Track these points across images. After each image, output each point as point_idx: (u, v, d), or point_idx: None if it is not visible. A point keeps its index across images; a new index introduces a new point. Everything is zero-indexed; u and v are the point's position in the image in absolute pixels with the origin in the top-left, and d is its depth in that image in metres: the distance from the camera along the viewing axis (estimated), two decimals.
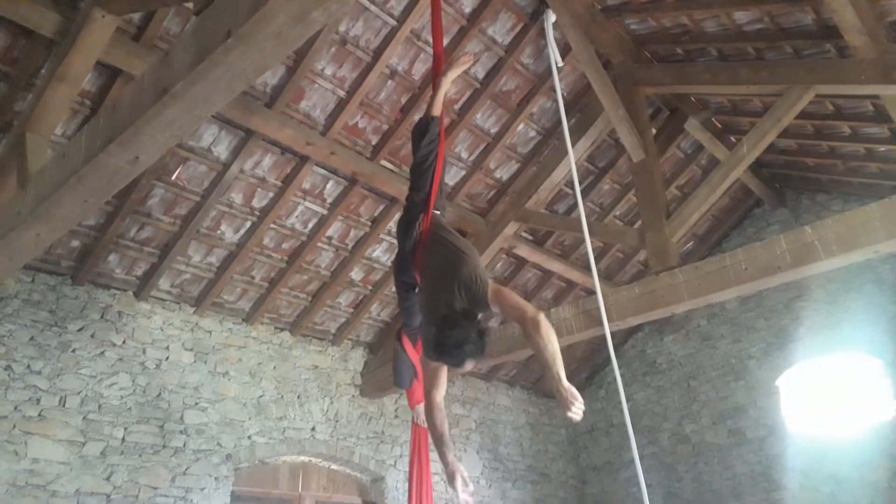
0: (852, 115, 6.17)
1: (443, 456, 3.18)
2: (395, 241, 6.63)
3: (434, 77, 3.75)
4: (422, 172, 3.28)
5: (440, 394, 3.23)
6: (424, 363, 3.18)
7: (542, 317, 2.78)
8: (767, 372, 8.32)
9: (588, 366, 9.68)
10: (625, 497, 9.06)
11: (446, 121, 5.94)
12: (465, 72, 5.28)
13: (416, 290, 3.35)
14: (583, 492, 9.48)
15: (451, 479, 3.13)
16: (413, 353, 3.46)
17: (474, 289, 2.84)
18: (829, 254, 4.46)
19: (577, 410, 2.56)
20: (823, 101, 5.96)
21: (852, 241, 4.37)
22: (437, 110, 3.48)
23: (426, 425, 3.63)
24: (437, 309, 2.84)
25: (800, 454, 7.79)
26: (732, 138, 7.29)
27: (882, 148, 6.67)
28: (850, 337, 7.72)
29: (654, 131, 6.23)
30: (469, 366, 2.82)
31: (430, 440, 3.62)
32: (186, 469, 5.67)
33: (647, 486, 4.38)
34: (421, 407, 3.73)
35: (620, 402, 9.38)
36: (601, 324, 5.37)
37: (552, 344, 2.73)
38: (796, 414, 8.03)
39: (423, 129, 3.34)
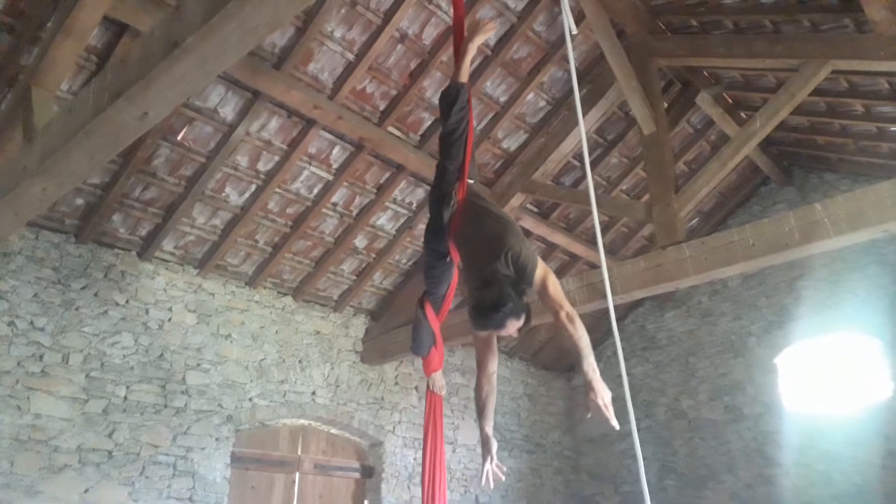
0: (867, 92, 6.10)
1: (482, 428, 3.19)
2: (399, 210, 6.65)
3: (456, 43, 3.66)
4: (453, 141, 3.22)
5: (493, 364, 3.22)
6: (474, 334, 3.17)
7: (575, 312, 2.81)
8: (766, 350, 8.35)
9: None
10: (619, 469, 9.16)
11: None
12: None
13: (447, 259, 3.30)
14: (577, 463, 9.58)
15: (485, 450, 3.14)
16: (434, 320, 3.41)
17: (522, 262, 2.80)
18: (838, 231, 4.42)
19: (607, 413, 2.58)
20: (838, 77, 5.88)
21: (862, 220, 4.33)
22: (464, 77, 3.42)
23: (442, 393, 3.71)
24: (482, 276, 2.79)
25: (795, 431, 7.85)
26: (743, 114, 7.21)
27: (894, 128, 6.60)
28: (851, 317, 7.73)
29: (665, 105, 6.16)
30: (512, 327, 2.75)
31: (443, 409, 3.68)
32: (188, 429, 5.72)
33: (643, 459, 4.41)
34: (437, 375, 3.70)
35: (619, 376, 9.48)
36: (605, 297, 5.32)
37: (587, 337, 2.77)
38: (793, 392, 8.08)
39: (452, 98, 3.27)
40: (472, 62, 5.72)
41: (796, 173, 8.55)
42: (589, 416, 2.66)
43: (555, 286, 2.85)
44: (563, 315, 2.78)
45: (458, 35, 3.61)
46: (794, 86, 5.02)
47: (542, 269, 2.84)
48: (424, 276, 3.39)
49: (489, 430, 3.19)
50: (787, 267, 8.20)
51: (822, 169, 8.34)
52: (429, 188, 6.53)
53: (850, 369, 7.79)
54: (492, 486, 3.08)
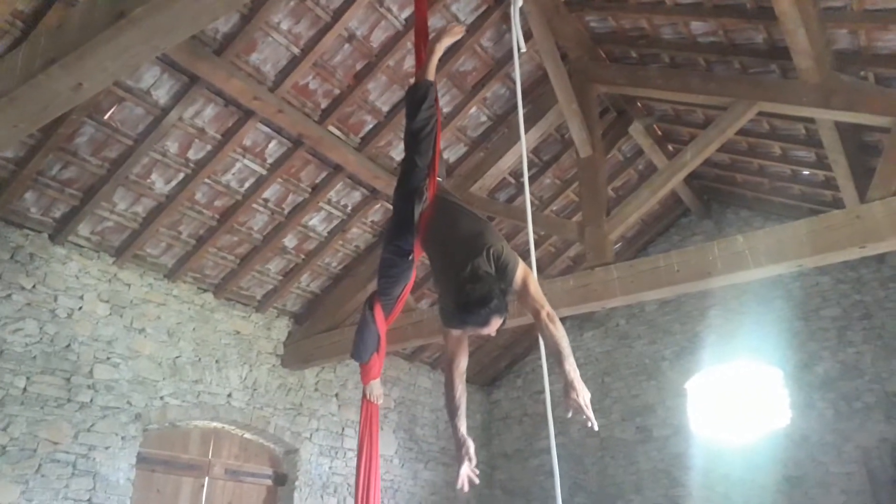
0: (785, 136, 6.49)
1: (457, 429, 3.05)
2: (333, 211, 6.54)
3: (417, 43, 3.64)
4: (423, 137, 3.19)
5: (464, 363, 3.11)
6: (446, 332, 3.06)
7: (555, 313, 2.81)
8: (678, 374, 8.68)
9: (509, 354, 9.81)
10: (531, 485, 9.26)
11: (399, 94, 5.86)
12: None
13: (409, 258, 3.22)
14: (491, 477, 9.64)
15: (461, 453, 2.99)
16: (382, 323, 3.28)
17: (504, 261, 2.75)
18: (757, 263, 4.67)
19: (588, 412, 2.57)
20: (762, 119, 6.23)
21: (780, 254, 4.59)
22: (431, 75, 3.40)
23: (380, 402, 3.57)
24: (460, 272, 2.70)
25: (700, 454, 8.18)
26: (671, 147, 7.53)
27: (806, 171, 7.04)
28: (756, 347, 8.16)
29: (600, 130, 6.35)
30: (494, 325, 2.66)
31: (378, 418, 3.57)
32: (91, 426, 5.38)
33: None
34: (376, 383, 3.54)
35: (535, 393, 9.65)
36: None
37: (566, 338, 2.76)
38: (700, 416, 8.42)
39: (422, 95, 3.24)
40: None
41: (714, 208, 8.98)
42: (569, 415, 2.63)
43: (535, 286, 2.84)
44: (543, 315, 2.77)
45: (419, 35, 3.59)
46: (724, 122, 5.27)
47: (522, 269, 2.82)
48: (380, 275, 3.27)
49: (463, 430, 3.05)
50: (700, 296, 8.58)
51: (739, 205, 8.80)
52: (366, 192, 6.50)
53: (752, 397, 8.20)
54: (466, 490, 2.94)
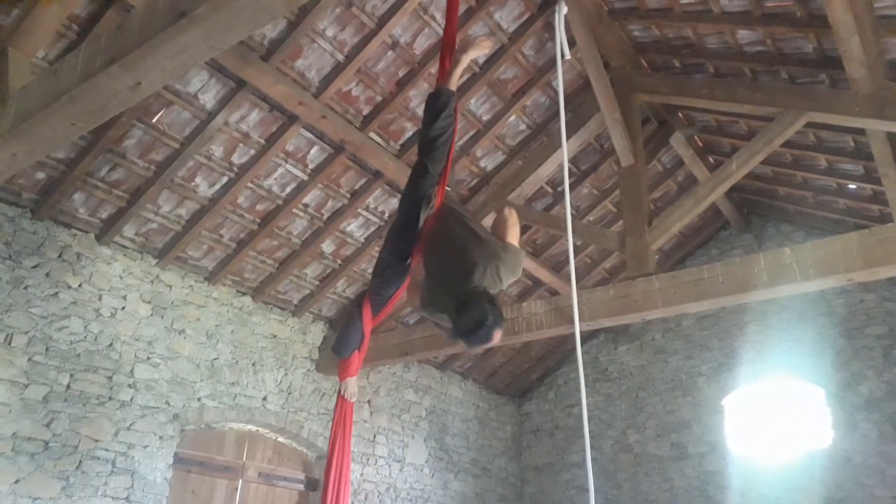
0: (832, 148, 6.36)
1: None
2: (371, 217, 6.57)
3: (443, 55, 3.67)
4: (439, 145, 3.22)
5: None
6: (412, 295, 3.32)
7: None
8: (715, 390, 8.52)
9: (541, 367, 9.73)
10: (562, 499, 9.14)
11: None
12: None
13: (407, 262, 3.26)
14: (521, 490, 9.54)
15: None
16: (369, 322, 3.30)
17: (512, 271, 3.01)
18: (805, 277, 4.55)
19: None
20: (808, 131, 6.11)
21: (829, 267, 4.47)
22: (453, 85, 3.43)
23: (353, 400, 3.63)
24: (456, 292, 2.81)
25: (737, 473, 8.00)
26: (711, 159, 7.43)
27: (853, 185, 6.89)
28: (797, 365, 7.97)
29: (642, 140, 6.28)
30: (497, 337, 2.78)
31: (353, 417, 3.63)
32: (131, 424, 5.44)
33: (587, 491, 4.41)
34: (352, 380, 3.57)
35: (568, 406, 9.54)
36: (571, 322, 5.35)
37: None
38: (738, 434, 8.24)
39: (443, 104, 3.26)
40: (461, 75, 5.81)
41: (755, 221, 8.83)
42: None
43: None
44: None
45: (446, 47, 3.62)
46: (771, 132, 5.18)
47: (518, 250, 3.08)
48: (375, 274, 3.32)
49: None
50: (738, 311, 8.43)
51: (779, 219, 8.64)
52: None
53: (793, 416, 8.00)
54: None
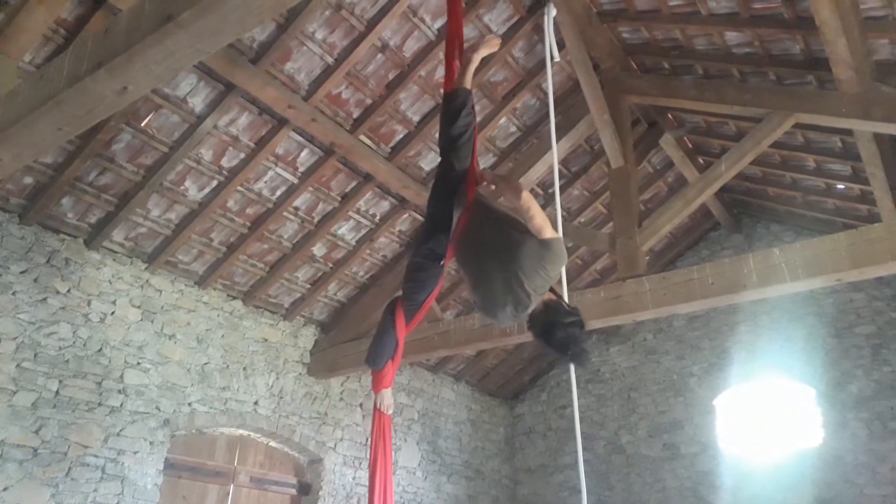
0: (820, 149, 6.39)
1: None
2: (362, 220, 6.56)
3: (449, 52, 3.66)
4: (463, 143, 3.20)
5: None
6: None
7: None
8: (706, 391, 8.54)
9: (533, 368, 9.74)
10: (555, 500, 9.14)
11: (430, 105, 5.88)
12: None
13: (441, 263, 3.17)
14: (514, 492, 9.53)
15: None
16: (402, 330, 3.17)
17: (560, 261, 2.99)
18: (794, 277, 4.58)
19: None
20: (796, 131, 6.14)
21: (818, 267, 4.50)
22: (468, 84, 3.42)
23: (390, 412, 3.44)
24: (510, 281, 2.86)
25: (729, 473, 8.02)
26: (701, 160, 7.46)
27: (841, 185, 6.93)
28: (788, 364, 8.01)
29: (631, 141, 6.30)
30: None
31: (391, 429, 3.49)
32: (121, 430, 5.41)
33: (580, 492, 4.40)
34: (387, 392, 3.39)
35: (560, 407, 9.55)
36: None
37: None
38: (729, 434, 8.27)
39: (461, 101, 3.26)
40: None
41: (745, 222, 8.87)
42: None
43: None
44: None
45: (451, 43, 3.61)
46: (759, 133, 5.20)
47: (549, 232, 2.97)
48: (408, 279, 3.20)
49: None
50: (729, 311, 8.46)
51: (769, 219, 8.68)
52: (395, 202, 6.50)
53: (783, 415, 8.04)
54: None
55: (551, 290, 2.98)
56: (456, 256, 3.13)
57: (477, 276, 3.01)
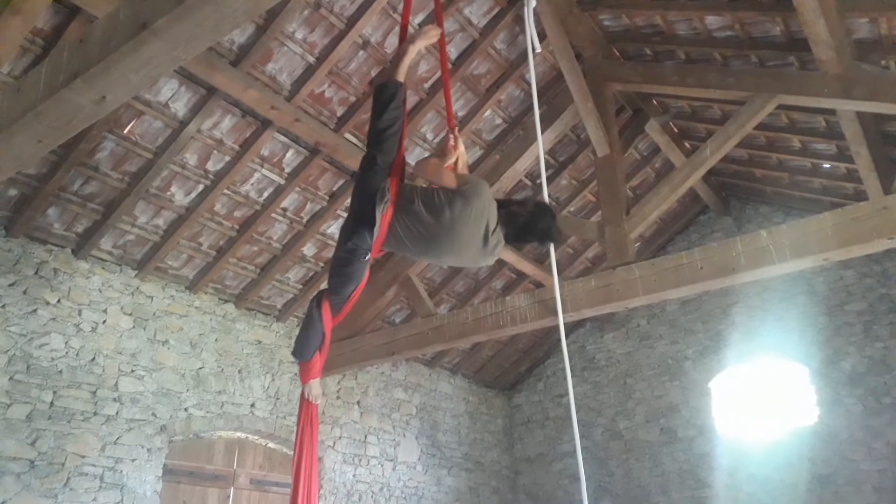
0: (805, 129, 6.42)
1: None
2: None
3: (401, 44, 3.63)
4: (387, 137, 3.15)
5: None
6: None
7: None
8: (701, 374, 8.60)
9: (529, 359, 9.77)
10: (556, 489, 9.20)
11: (415, 99, 5.87)
12: (436, 49, 5.18)
13: (366, 258, 3.19)
14: (515, 482, 9.58)
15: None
16: (329, 322, 3.20)
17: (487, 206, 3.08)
18: (782, 258, 4.59)
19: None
20: (780, 113, 6.16)
21: (805, 248, 4.51)
22: (401, 76, 3.36)
23: (318, 402, 3.49)
24: (469, 247, 3.08)
25: (726, 454, 8.09)
26: (688, 144, 7.48)
27: (827, 164, 6.96)
28: (780, 344, 8.06)
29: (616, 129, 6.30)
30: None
31: (318, 419, 3.48)
32: (118, 438, 5.40)
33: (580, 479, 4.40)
34: (315, 382, 3.42)
35: (557, 396, 9.59)
36: (555, 314, 5.35)
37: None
38: (725, 415, 8.32)
39: (390, 94, 3.20)
40: (432, 75, 5.79)
41: (733, 204, 8.91)
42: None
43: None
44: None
45: (403, 38, 3.58)
46: (743, 116, 5.21)
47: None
48: (332, 273, 3.21)
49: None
50: (721, 294, 8.50)
51: (758, 201, 8.72)
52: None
53: (778, 395, 8.10)
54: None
55: (499, 203, 3.19)
56: (397, 246, 3.16)
57: (438, 249, 3.15)
